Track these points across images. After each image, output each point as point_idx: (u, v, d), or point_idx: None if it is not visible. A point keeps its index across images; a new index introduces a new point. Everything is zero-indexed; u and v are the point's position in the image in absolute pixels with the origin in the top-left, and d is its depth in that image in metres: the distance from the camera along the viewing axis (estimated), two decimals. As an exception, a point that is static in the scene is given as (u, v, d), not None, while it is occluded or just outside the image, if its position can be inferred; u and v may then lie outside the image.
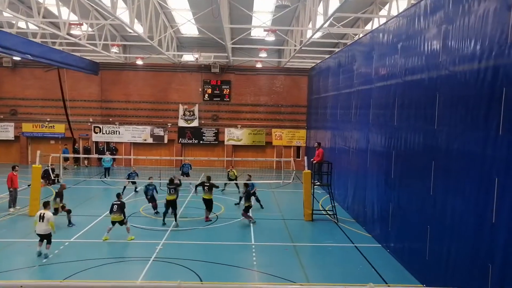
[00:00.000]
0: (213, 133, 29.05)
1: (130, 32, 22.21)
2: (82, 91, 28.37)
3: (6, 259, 11.15)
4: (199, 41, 26.08)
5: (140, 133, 28.92)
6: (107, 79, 28.56)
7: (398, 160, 11.93)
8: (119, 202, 12.96)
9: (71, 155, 26.06)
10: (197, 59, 25.79)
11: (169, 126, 28.91)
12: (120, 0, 15.42)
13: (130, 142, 29.09)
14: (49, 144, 28.57)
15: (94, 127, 28.76)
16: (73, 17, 18.30)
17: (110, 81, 28.59)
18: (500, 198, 7.20)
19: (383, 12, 17.50)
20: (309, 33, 17.89)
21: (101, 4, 13.36)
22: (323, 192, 20.22)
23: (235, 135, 29.13)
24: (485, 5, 7.80)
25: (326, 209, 17.07)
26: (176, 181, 15.08)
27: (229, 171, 20.85)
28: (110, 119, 28.79)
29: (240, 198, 17.61)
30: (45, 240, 11.40)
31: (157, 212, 15.94)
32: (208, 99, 28.84)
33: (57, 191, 14.53)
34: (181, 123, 28.89)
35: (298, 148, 29.61)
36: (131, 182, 19.52)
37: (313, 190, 16.21)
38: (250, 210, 15.40)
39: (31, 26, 20.84)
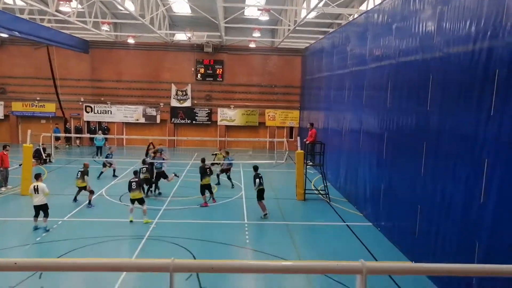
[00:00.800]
0: (206, 113, 28.92)
1: (121, 10, 21.73)
2: (72, 70, 27.91)
3: (0, 238, 11.18)
4: (192, 20, 25.65)
5: (132, 113, 28.70)
6: (98, 57, 28.09)
7: (390, 141, 12.05)
8: (136, 179, 12.92)
9: (62, 135, 25.82)
10: (189, 38, 25.40)
11: (162, 106, 28.70)
12: (110, -25, 15.04)
13: (122, 122, 28.88)
14: (39, 124, 28.25)
15: (86, 106, 28.45)
16: (62, -7, 17.79)
17: (101, 60, 28.13)
18: (489, 179, 7.35)
19: (378, -9, 17.30)
20: (303, 13, 17.68)
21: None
22: (316, 172, 20.41)
23: (228, 115, 29.04)
24: (481, -14, 7.76)
25: (319, 188, 17.27)
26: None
27: (217, 153, 19.58)
28: (102, 99, 28.47)
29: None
30: (41, 213, 11.60)
31: (159, 193, 16.09)
32: (201, 79, 28.59)
33: (82, 170, 14.43)
34: (174, 103, 28.68)
35: (291, 128, 29.67)
36: (108, 164, 18.89)
37: (306, 170, 16.35)
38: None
39: (18, 2, 20.25)
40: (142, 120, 28.80)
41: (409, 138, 10.72)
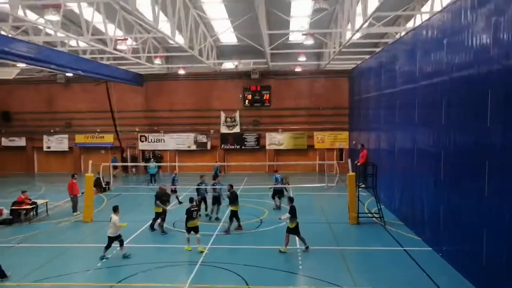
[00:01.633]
0: (255, 138, 29.27)
1: (172, 44, 22.96)
2: (129, 102, 29.62)
3: (64, 264, 11.82)
4: (238, 48, 26.46)
5: (184, 140, 29.72)
6: (151, 89, 29.66)
7: (448, 160, 11.43)
8: (197, 208, 13.19)
9: (119, 164, 27.26)
10: (236, 66, 26.18)
11: (212, 133, 29.47)
12: (161, 13, 16.01)
13: (175, 150, 29.95)
14: (99, 154, 30.04)
15: (140, 136, 29.93)
16: (119, 33, 19.24)
17: (154, 91, 29.67)
18: None
19: (425, 8, 16.90)
20: (348, 35, 17.63)
21: (144, 19, 13.95)
22: (368, 195, 19.72)
23: (276, 139, 29.18)
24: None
25: (372, 211, 16.64)
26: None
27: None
28: (155, 128, 29.84)
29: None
30: (117, 242, 12.18)
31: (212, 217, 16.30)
32: (249, 105, 29.13)
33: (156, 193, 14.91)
34: (223, 129, 29.37)
35: (341, 150, 29.13)
36: (173, 191, 19.13)
37: (358, 192, 15.87)
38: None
39: (81, 44, 22.12)
40: (194, 147, 29.71)
41: (469, 157, 10.11)
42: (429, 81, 12.90)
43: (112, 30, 18.64)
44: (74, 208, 17.43)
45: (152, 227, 14.88)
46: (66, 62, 18.66)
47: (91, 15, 17.34)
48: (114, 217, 12.26)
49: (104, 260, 12.01)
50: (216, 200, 16.26)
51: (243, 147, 29.38)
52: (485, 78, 9.38)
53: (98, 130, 30.05)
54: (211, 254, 12.34)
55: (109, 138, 29.94)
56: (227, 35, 24.24)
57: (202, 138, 29.60)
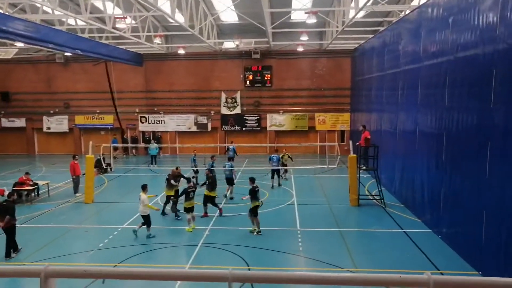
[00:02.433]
0: (256, 120, 29.11)
1: (172, 22, 22.56)
2: (128, 83, 29.38)
3: (66, 244, 11.91)
4: (239, 27, 26.02)
5: (184, 122, 29.60)
6: (151, 69, 29.36)
7: (450, 142, 11.32)
8: (194, 188, 13.19)
9: (120, 145, 27.26)
10: (237, 45, 25.79)
11: (212, 114, 29.32)
12: (160, -9, 15.64)
13: (175, 131, 29.87)
14: (99, 135, 30.00)
15: (140, 117, 29.79)
16: (118, 11, 18.84)
17: (154, 72, 29.37)
18: None
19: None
20: (351, 13, 17.25)
21: (143, -4, 13.64)
22: (369, 177, 19.72)
23: (277, 120, 29.03)
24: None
25: (373, 193, 16.66)
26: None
27: (282, 155, 19.69)
28: (155, 109, 29.68)
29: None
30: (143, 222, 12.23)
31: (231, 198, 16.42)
32: (250, 85, 28.85)
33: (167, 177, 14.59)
34: (224, 110, 29.19)
35: (342, 132, 29.01)
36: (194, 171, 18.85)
37: (359, 174, 15.84)
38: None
39: (80, 23, 21.74)
40: (194, 128, 29.60)
41: (471, 138, 10.00)
42: (433, 61, 12.66)
43: (110, 8, 18.25)
44: (76, 189, 17.49)
45: (163, 212, 14.54)
46: (65, 41, 18.36)
47: (88, -8, 16.96)
48: (143, 196, 12.34)
49: (152, 237, 12.13)
50: (229, 181, 16.47)
51: (243, 129, 29.27)
52: (490, 58, 9.17)
53: (98, 111, 29.90)
54: (212, 235, 12.41)
55: (109, 119, 29.83)
56: (228, 14, 23.79)
57: (203, 119, 29.46)
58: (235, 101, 29.06)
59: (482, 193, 9.44)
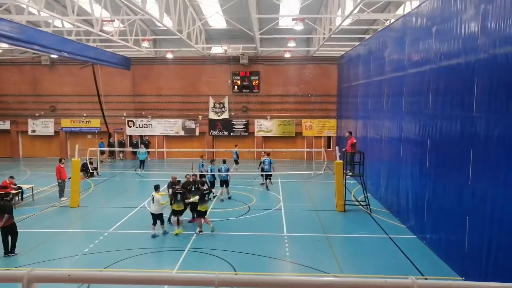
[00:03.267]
0: (243, 125, 29.17)
1: (160, 27, 22.52)
2: (116, 86, 29.16)
3: (51, 249, 11.74)
4: (227, 32, 26.12)
5: (172, 126, 29.48)
6: (139, 73, 29.21)
7: (433, 149, 11.56)
8: (181, 191, 13.18)
9: (107, 149, 26.98)
10: (225, 51, 25.87)
11: (200, 119, 29.28)
12: (149, -5, 15.65)
13: (163, 135, 29.72)
14: (86, 139, 29.65)
15: (128, 121, 29.57)
16: (105, 14, 18.76)
17: (142, 76, 29.23)
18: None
19: (416, -5, 16.84)
20: (338, 20, 17.52)
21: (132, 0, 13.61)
22: (355, 183, 19.94)
23: (265, 126, 29.14)
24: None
25: (359, 199, 16.84)
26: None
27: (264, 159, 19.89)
28: (143, 113, 29.50)
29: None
30: (158, 221, 12.63)
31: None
32: (238, 90, 28.94)
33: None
34: (212, 115, 29.19)
35: (329, 138, 29.27)
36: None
37: (345, 180, 16.01)
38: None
39: (66, 25, 21.55)
40: (182, 133, 29.50)
41: (454, 145, 10.23)
42: (417, 69, 12.94)
43: (98, 11, 18.17)
44: (61, 193, 17.24)
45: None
46: (51, 43, 18.14)
47: (76, -5, 16.86)
48: (157, 195, 12.75)
49: (156, 237, 12.51)
50: (225, 183, 17.17)
51: (231, 134, 29.29)
52: (472, 67, 9.43)
53: (84, 115, 29.58)
54: (199, 240, 12.38)
55: (96, 123, 29.53)
56: (216, 19, 23.86)
57: (190, 124, 29.40)
58: (223, 106, 29.09)
59: (465, 200, 9.66)
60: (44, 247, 11.84)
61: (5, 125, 29.88)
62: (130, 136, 29.82)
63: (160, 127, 29.51)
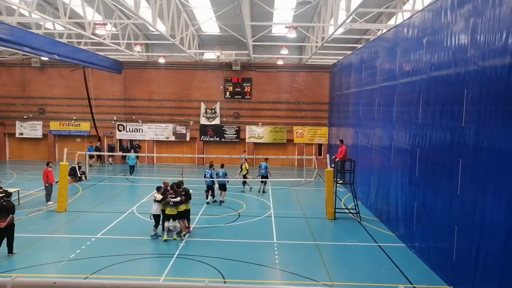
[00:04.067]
0: (235, 131, 29.14)
1: (153, 31, 22.47)
2: (106, 90, 28.96)
3: (35, 255, 11.51)
4: (220, 38, 26.17)
5: (163, 131, 29.31)
6: (130, 77, 29.05)
7: (423, 158, 11.65)
8: (174, 196, 12.96)
9: (96, 153, 26.68)
10: (218, 57, 25.89)
11: (191, 124, 29.17)
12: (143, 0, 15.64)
13: (153, 140, 29.52)
14: (75, 142, 29.33)
15: (118, 125, 29.33)
16: (98, 17, 18.65)
17: (133, 80, 29.08)
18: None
19: (407, 6, 17.08)
20: (331, 29, 17.66)
21: (125, 3, 13.57)
22: (346, 190, 20.00)
23: (256, 132, 29.14)
24: (517, -3, 7.49)
25: (349, 207, 16.87)
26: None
27: (242, 164, 20.91)
28: (134, 117, 29.30)
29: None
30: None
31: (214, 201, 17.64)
32: (230, 96, 28.94)
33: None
34: (203, 121, 29.11)
35: (320, 145, 29.37)
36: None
37: (336, 188, 16.03)
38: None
39: (58, 27, 21.38)
40: (172, 138, 29.34)
41: (444, 155, 10.33)
42: (408, 79, 13.08)
43: (90, 14, 18.07)
44: (48, 197, 16.96)
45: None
46: (41, 45, 17.97)
47: (68, -3, 16.77)
48: (159, 196, 12.83)
49: (154, 238, 12.74)
50: (222, 187, 17.84)
51: (222, 140, 29.23)
52: (461, 78, 9.55)
53: (74, 118, 29.27)
54: (188, 247, 12.26)
55: (85, 126, 29.23)
56: (209, 25, 23.91)
57: (181, 129, 29.27)
58: (215, 112, 29.05)
59: (453, 209, 9.73)
60: (29, 252, 11.60)
61: (-8, 127, 29.41)
62: (120, 140, 29.56)
63: (150, 131, 29.32)
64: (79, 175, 21.86)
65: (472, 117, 9.02)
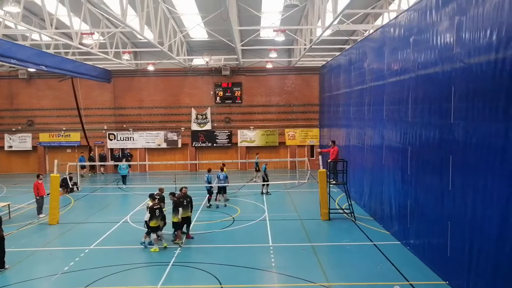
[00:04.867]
0: (226, 136, 29.11)
1: (141, 39, 22.40)
2: (96, 99, 28.77)
3: (28, 269, 11.34)
4: (209, 44, 26.18)
5: (154, 138, 29.17)
6: (120, 86, 28.90)
7: (414, 156, 11.75)
8: (159, 206, 12.83)
9: (87, 163, 26.43)
10: (207, 62, 25.89)
11: (183, 130, 29.09)
12: (129, 7, 15.58)
13: (145, 148, 29.36)
14: (65, 153, 29.05)
15: (109, 134, 29.12)
16: (85, 27, 18.56)
17: (123, 88, 28.93)
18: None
19: (393, 6, 17.28)
20: (318, 31, 17.76)
21: (111, 12, 13.51)
22: (339, 191, 20.07)
23: (248, 136, 29.14)
24: (499, -6, 7.62)
25: (343, 207, 16.92)
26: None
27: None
28: (124, 126, 29.12)
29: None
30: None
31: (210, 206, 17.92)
32: (220, 101, 28.93)
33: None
34: (194, 126, 29.04)
35: (311, 147, 29.46)
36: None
37: (329, 189, 16.08)
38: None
39: (44, 38, 21.21)
40: (164, 145, 29.21)
41: (434, 152, 10.43)
42: (396, 78, 13.20)
43: (77, 24, 17.97)
44: (39, 210, 16.74)
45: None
46: (28, 57, 17.79)
47: (54, 7, 16.65)
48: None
49: (143, 246, 12.73)
50: (222, 190, 18.18)
51: (214, 145, 29.17)
52: (448, 76, 9.67)
53: (64, 129, 29.00)
54: (183, 254, 12.18)
55: (76, 137, 28.98)
56: (198, 31, 23.92)
57: (173, 136, 29.16)
58: (206, 117, 29.01)
59: (446, 205, 9.82)
60: (21, 267, 11.43)
61: (-20, 140, 29.00)
62: (111, 149, 29.35)
63: (142, 139, 29.16)
64: (70, 186, 21.62)
65: (460, 114, 9.13)
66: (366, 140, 16.86)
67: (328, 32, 18.94)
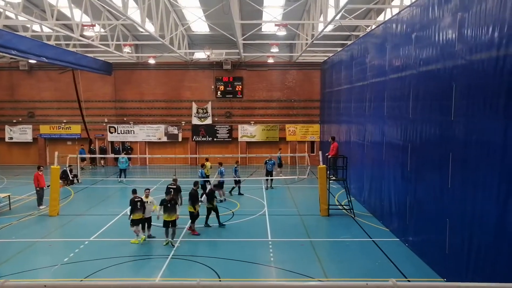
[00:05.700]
0: (227, 130, 29.11)
1: (142, 32, 22.35)
2: (97, 92, 28.74)
3: (28, 259, 11.40)
4: (210, 38, 26.10)
5: (155, 132, 29.18)
6: (121, 79, 28.86)
7: (415, 153, 11.75)
8: (140, 199, 12.80)
9: (87, 156, 26.47)
10: (208, 56, 25.81)
11: (183, 124, 29.08)
12: (131, 0, 15.52)
13: (145, 141, 29.37)
14: (66, 145, 29.07)
15: (109, 127, 29.13)
16: (86, 19, 18.50)
17: (124, 81, 28.89)
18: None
19: (396, 2, 17.18)
20: (320, 26, 17.69)
21: (113, 4, 13.47)
22: (339, 187, 20.08)
23: (248, 131, 29.14)
24: (503, -9, 7.57)
25: (342, 203, 16.95)
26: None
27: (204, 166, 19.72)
28: (125, 119, 29.12)
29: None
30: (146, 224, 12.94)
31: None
32: (221, 96, 28.90)
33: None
34: (195, 121, 29.03)
35: (312, 143, 29.45)
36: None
37: (329, 185, 16.10)
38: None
39: (45, 29, 21.16)
40: (164, 139, 29.22)
41: (434, 149, 10.42)
42: (397, 75, 13.16)
43: (78, 16, 17.91)
44: (40, 202, 16.80)
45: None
46: (29, 48, 17.76)
47: (55, -1, 16.60)
48: (150, 198, 13.01)
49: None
50: (236, 182, 19.22)
51: (215, 139, 29.18)
52: (450, 73, 9.64)
53: (64, 121, 29.01)
54: (183, 247, 12.23)
55: (76, 129, 28.99)
56: (199, 24, 23.84)
57: (173, 130, 29.16)
58: (206, 112, 28.99)
59: (445, 202, 9.82)
60: (21, 257, 11.49)
61: (-19, 132, 29.04)
62: (112, 142, 29.36)
63: (142, 133, 29.17)
64: (71, 178, 21.68)
65: (461, 111, 9.11)
66: (367, 137, 16.85)
67: (330, 27, 18.86)
